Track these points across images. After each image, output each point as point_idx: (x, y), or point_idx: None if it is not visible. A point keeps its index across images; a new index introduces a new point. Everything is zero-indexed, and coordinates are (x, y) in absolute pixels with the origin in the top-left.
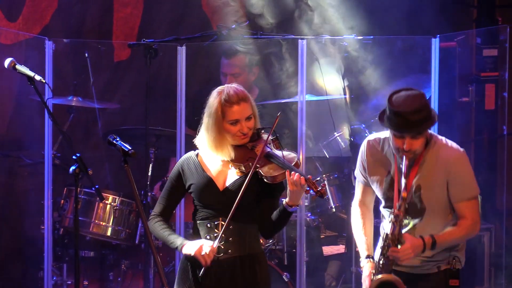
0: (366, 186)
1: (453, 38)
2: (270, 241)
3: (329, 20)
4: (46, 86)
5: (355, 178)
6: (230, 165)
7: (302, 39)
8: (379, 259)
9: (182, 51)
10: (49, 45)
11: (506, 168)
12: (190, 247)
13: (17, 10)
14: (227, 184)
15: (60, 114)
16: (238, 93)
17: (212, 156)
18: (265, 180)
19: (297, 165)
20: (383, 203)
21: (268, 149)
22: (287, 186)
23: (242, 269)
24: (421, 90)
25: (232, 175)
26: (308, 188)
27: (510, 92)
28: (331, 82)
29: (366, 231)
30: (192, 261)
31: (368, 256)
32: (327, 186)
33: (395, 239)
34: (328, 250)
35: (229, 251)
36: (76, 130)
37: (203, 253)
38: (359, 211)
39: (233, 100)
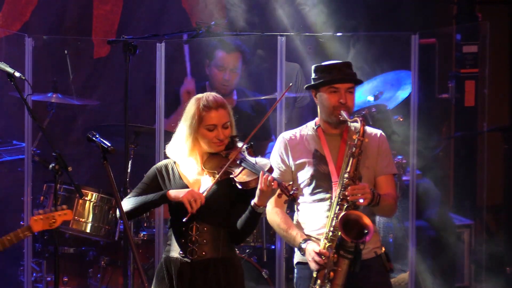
0: (286, 182)
1: (433, 34)
2: (249, 239)
3: (308, 17)
4: (26, 82)
5: None
6: (204, 173)
7: (281, 35)
8: (337, 210)
9: (161, 48)
10: (28, 42)
11: (486, 165)
12: (177, 192)
13: None
14: (201, 190)
15: (40, 111)
16: (217, 100)
17: (188, 164)
18: (238, 186)
19: (270, 170)
20: (312, 185)
21: (242, 156)
22: (258, 186)
23: (215, 272)
24: (401, 86)
25: (207, 182)
26: (280, 192)
27: (490, 89)
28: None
29: (292, 225)
30: (168, 265)
31: (306, 240)
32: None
33: (353, 176)
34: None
35: (203, 253)
36: (56, 126)
37: (191, 199)
38: (278, 211)
39: (212, 105)
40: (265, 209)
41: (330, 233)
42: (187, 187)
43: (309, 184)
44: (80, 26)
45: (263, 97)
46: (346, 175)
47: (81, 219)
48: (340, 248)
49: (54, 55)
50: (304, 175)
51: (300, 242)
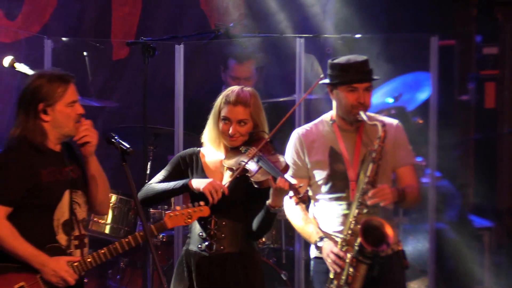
0: (301, 178)
1: (452, 36)
2: (268, 240)
3: (327, 18)
4: None
5: None
6: (225, 168)
7: (300, 37)
8: (356, 213)
9: (180, 50)
10: (48, 44)
11: (506, 167)
12: (199, 182)
13: (16, 8)
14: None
15: None
16: (240, 95)
17: (212, 155)
18: (253, 184)
19: (285, 169)
20: (328, 184)
21: (260, 154)
22: (271, 188)
23: (234, 266)
24: (420, 88)
25: (227, 177)
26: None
27: (510, 91)
28: None
29: (308, 220)
30: (188, 258)
31: (322, 237)
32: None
33: (373, 181)
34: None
35: (222, 247)
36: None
37: (212, 189)
38: (298, 207)
39: (231, 100)
40: (281, 209)
41: (348, 236)
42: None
43: (325, 183)
44: (99, 28)
45: (282, 99)
46: (365, 180)
47: (100, 221)
48: (359, 253)
49: (73, 57)
50: (320, 174)
51: (317, 240)
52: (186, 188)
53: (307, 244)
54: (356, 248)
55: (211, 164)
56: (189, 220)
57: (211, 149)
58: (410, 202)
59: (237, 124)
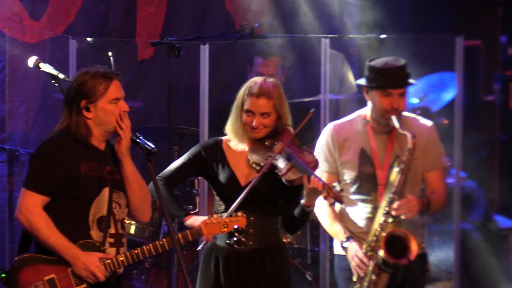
0: (331, 173)
1: (477, 36)
2: (293, 240)
3: (351, 19)
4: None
5: None
6: (251, 162)
7: (325, 37)
8: (381, 221)
9: (205, 50)
10: (73, 44)
11: None
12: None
13: (41, 9)
14: (248, 180)
15: None
16: (263, 86)
17: (235, 146)
18: (283, 181)
19: (315, 166)
20: (356, 184)
21: (287, 150)
22: (304, 188)
23: (262, 260)
24: (445, 88)
25: (253, 171)
26: (326, 195)
27: None
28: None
29: (336, 218)
30: (214, 253)
31: (349, 238)
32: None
33: (400, 191)
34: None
35: (250, 243)
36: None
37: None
38: (326, 203)
39: (254, 91)
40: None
41: (373, 242)
42: (233, 174)
43: (353, 184)
44: (124, 28)
45: (307, 99)
46: (392, 190)
47: (125, 221)
48: (382, 262)
49: (98, 57)
50: (349, 174)
51: (343, 240)
52: (180, 220)
53: (332, 245)
54: (379, 257)
55: (236, 156)
56: (225, 229)
57: (235, 140)
58: (435, 210)
59: (261, 116)
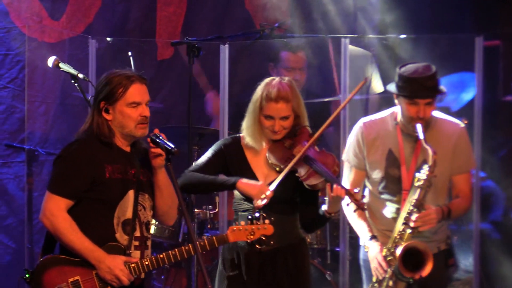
0: (359, 169)
1: (497, 36)
2: (313, 241)
3: (371, 19)
4: (89, 84)
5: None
6: (270, 162)
7: (345, 37)
8: (399, 230)
9: (225, 50)
10: (92, 44)
11: None
12: (248, 185)
13: (61, 9)
14: (269, 180)
15: None
16: (281, 90)
17: (254, 145)
18: (305, 185)
19: (335, 172)
20: (382, 184)
21: (308, 155)
22: (327, 195)
23: (284, 258)
24: (465, 88)
25: (272, 172)
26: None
27: None
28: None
29: (361, 215)
30: (235, 251)
31: (373, 237)
32: None
33: (419, 204)
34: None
35: (271, 242)
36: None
37: (260, 195)
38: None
39: (273, 96)
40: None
41: (393, 248)
42: (254, 174)
43: (379, 183)
44: (144, 28)
45: (327, 99)
46: (412, 202)
47: None
48: (398, 272)
49: (117, 57)
50: (376, 174)
51: (367, 238)
52: (233, 188)
53: (352, 245)
54: (395, 269)
55: (254, 155)
56: (251, 237)
57: (252, 142)
58: (456, 216)
59: (281, 120)
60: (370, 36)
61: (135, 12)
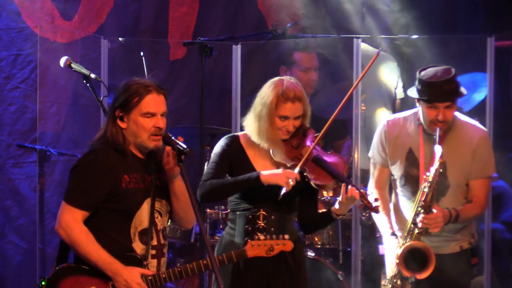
0: (383, 166)
1: (509, 37)
2: (325, 241)
3: (383, 20)
4: (102, 84)
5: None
6: (274, 161)
7: (357, 38)
8: (409, 229)
9: (237, 50)
10: (104, 44)
11: None
12: (271, 175)
13: (73, 9)
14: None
15: None
16: (296, 90)
17: (255, 144)
18: (312, 185)
19: (346, 172)
20: (401, 182)
21: (316, 154)
22: (340, 197)
23: (284, 258)
24: (476, 89)
25: (275, 170)
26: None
27: None
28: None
29: (384, 209)
30: (233, 249)
31: (392, 234)
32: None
33: (427, 206)
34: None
35: None
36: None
37: (287, 180)
38: (376, 193)
39: (290, 96)
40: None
41: (400, 250)
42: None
43: (399, 180)
44: (156, 28)
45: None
46: (420, 204)
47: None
48: (401, 274)
49: (130, 57)
50: (396, 172)
51: (387, 235)
52: (258, 182)
53: (363, 244)
54: (397, 272)
55: (256, 154)
56: (271, 253)
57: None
58: (465, 221)
59: (294, 120)
60: (382, 36)
61: (148, 12)
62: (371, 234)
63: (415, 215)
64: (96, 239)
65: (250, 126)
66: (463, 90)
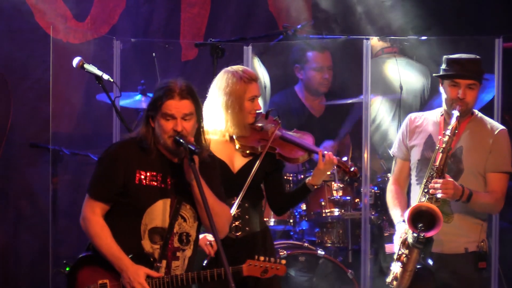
0: (404, 160)
1: None
2: (335, 239)
3: (392, 20)
4: (114, 84)
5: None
6: (237, 146)
7: (366, 39)
8: (420, 196)
9: (248, 51)
10: (117, 45)
11: None
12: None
13: (85, 10)
14: (240, 166)
15: (128, 112)
16: (252, 71)
17: (212, 137)
18: (284, 161)
19: (314, 143)
20: (418, 169)
21: (283, 132)
22: (317, 165)
23: (258, 244)
24: (485, 89)
25: (240, 157)
26: (339, 169)
27: None
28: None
29: (399, 204)
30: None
31: (403, 221)
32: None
33: (439, 170)
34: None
35: (247, 228)
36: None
37: (207, 242)
38: (393, 189)
39: (253, 77)
40: (347, 208)
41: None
42: (224, 163)
43: (416, 168)
44: (168, 29)
45: (350, 101)
46: (434, 167)
47: None
48: (410, 237)
49: (142, 58)
50: (414, 157)
51: (397, 222)
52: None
53: (372, 243)
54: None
55: (218, 147)
56: (265, 275)
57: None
58: (477, 206)
59: (258, 99)
60: (392, 37)
61: (159, 14)
62: (380, 233)
63: (426, 181)
64: (112, 232)
65: (211, 119)
66: (483, 73)
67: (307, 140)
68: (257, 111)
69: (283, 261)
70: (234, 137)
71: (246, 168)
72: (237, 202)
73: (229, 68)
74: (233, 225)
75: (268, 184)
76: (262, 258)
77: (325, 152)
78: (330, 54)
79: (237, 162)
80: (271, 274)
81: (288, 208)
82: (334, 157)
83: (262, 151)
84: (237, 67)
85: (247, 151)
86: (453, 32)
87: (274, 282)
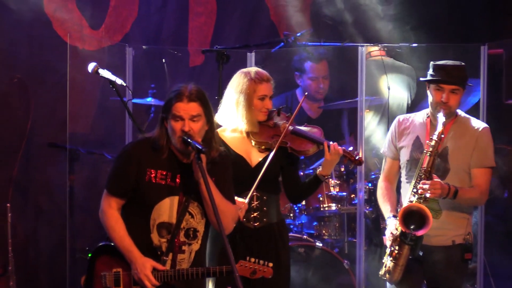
0: (393, 159)
1: (500, 45)
2: (331, 232)
3: (384, 28)
4: (127, 88)
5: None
6: (253, 142)
7: (361, 46)
8: (409, 196)
9: (251, 57)
10: (129, 51)
11: None
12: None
13: (100, 19)
14: (257, 161)
15: (140, 115)
16: (264, 73)
17: (232, 134)
18: (296, 154)
19: (323, 135)
20: (407, 168)
21: (293, 126)
22: (324, 157)
23: (275, 235)
24: (471, 93)
25: (257, 152)
26: (346, 158)
27: None
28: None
29: (389, 199)
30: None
31: (393, 216)
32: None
33: (427, 172)
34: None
35: (264, 219)
36: (154, 129)
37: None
38: (384, 185)
39: (264, 78)
40: (343, 203)
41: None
42: (242, 157)
43: (405, 167)
44: (177, 37)
45: (347, 101)
46: (422, 170)
47: None
48: (401, 235)
49: (152, 64)
50: (403, 158)
51: (387, 217)
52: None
53: (367, 236)
54: (399, 232)
55: (235, 142)
56: (254, 276)
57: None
58: (463, 200)
59: (269, 99)
60: (385, 44)
61: (169, 22)
62: (374, 226)
63: (415, 182)
64: (126, 225)
65: (226, 116)
66: (467, 81)
67: (316, 133)
68: (270, 110)
69: (270, 264)
70: (251, 136)
71: (263, 162)
72: (250, 193)
73: (244, 69)
74: (252, 216)
75: (284, 176)
76: (253, 259)
77: (331, 142)
78: (327, 62)
79: (254, 157)
80: (259, 276)
81: (303, 198)
82: (339, 147)
83: (275, 146)
84: (251, 68)
85: (263, 147)
86: (442, 39)
87: (282, 283)
